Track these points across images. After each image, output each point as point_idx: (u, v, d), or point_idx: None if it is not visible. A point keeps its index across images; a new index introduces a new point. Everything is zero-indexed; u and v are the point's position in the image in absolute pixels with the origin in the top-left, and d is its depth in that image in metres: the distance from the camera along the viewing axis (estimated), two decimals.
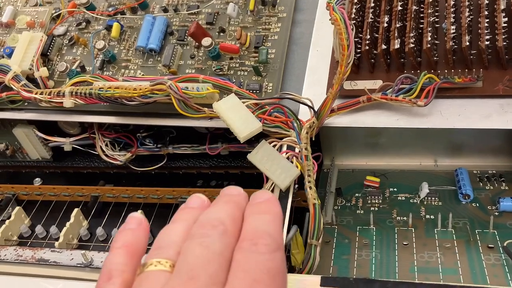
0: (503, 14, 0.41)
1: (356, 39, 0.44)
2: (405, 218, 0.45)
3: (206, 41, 0.51)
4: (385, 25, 0.44)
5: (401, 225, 0.45)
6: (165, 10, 0.56)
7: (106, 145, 0.55)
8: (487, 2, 0.42)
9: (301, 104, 0.45)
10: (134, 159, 0.55)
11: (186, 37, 0.54)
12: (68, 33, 0.58)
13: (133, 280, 0.25)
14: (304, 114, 0.45)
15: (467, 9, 0.42)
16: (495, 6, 0.42)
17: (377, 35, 0.45)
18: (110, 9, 0.58)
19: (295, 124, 0.44)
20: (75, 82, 0.50)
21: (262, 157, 0.41)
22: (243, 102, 0.43)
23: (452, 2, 0.43)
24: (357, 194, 0.48)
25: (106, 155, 0.55)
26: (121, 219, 0.54)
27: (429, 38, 0.42)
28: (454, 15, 0.43)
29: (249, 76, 0.50)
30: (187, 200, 0.29)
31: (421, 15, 0.44)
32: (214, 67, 0.51)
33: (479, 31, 0.41)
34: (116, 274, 0.25)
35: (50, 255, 0.50)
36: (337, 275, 0.41)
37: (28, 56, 0.53)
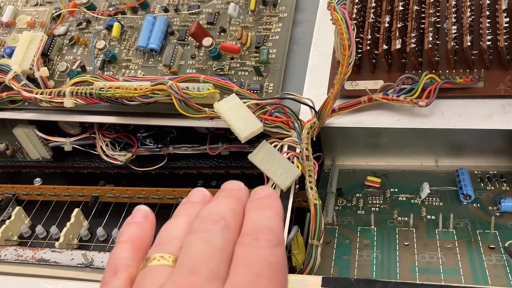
0: (505, 14, 0.41)
1: (357, 39, 0.44)
2: (406, 218, 0.45)
3: (207, 41, 0.51)
4: (386, 25, 0.44)
5: (402, 226, 0.44)
6: (166, 10, 0.56)
7: (107, 145, 0.55)
8: (488, 2, 0.42)
9: (302, 104, 0.45)
10: (134, 159, 0.55)
11: (186, 37, 0.54)
12: (68, 33, 0.58)
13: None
14: (305, 114, 0.45)
15: (469, 9, 0.42)
16: (497, 6, 0.42)
17: (378, 35, 0.45)
18: (110, 9, 0.58)
19: (296, 124, 0.44)
20: (76, 82, 0.50)
21: (263, 158, 0.41)
22: (244, 102, 0.43)
23: (454, 2, 0.43)
24: (358, 195, 0.48)
25: (107, 155, 0.55)
26: (121, 219, 0.54)
27: (431, 38, 0.42)
28: (455, 15, 0.43)
29: (250, 76, 0.50)
30: (189, 194, 0.29)
31: (423, 15, 0.44)
32: (215, 67, 0.51)
33: (481, 31, 0.41)
34: (122, 269, 0.25)
35: (50, 255, 0.49)
36: (338, 276, 0.41)
37: (29, 56, 0.53)
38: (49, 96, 0.49)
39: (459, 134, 0.47)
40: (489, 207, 0.44)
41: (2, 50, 0.56)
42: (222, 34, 0.53)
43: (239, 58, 0.51)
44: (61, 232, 0.52)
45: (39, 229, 0.54)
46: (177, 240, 0.25)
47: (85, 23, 0.58)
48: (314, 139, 0.44)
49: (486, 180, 0.47)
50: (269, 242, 0.24)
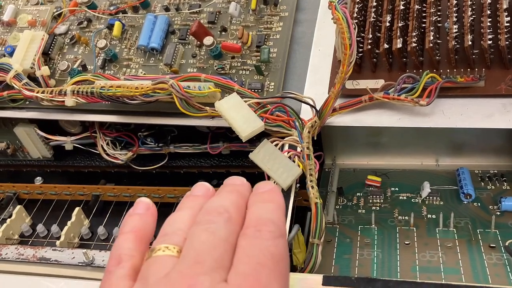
0: (506, 14, 0.41)
1: (358, 39, 0.44)
2: (406, 217, 0.45)
3: (207, 40, 0.51)
4: (387, 24, 0.44)
5: (402, 225, 0.45)
6: (167, 9, 0.56)
7: (107, 144, 0.55)
8: (489, 1, 0.42)
9: (303, 103, 0.45)
10: (135, 158, 0.55)
11: (187, 36, 0.54)
12: (69, 32, 0.58)
13: (141, 264, 0.26)
14: (306, 113, 0.45)
15: (470, 9, 0.42)
16: (498, 5, 0.42)
17: (379, 35, 0.45)
18: (111, 8, 0.58)
19: (297, 123, 0.44)
20: (77, 81, 0.50)
21: (264, 156, 0.41)
22: (245, 101, 0.43)
23: (455, 2, 0.43)
24: (358, 194, 0.48)
25: (107, 154, 0.55)
26: (122, 218, 0.54)
27: (431, 38, 0.42)
28: (456, 14, 0.43)
29: (251, 75, 0.50)
30: (192, 188, 0.29)
31: (424, 14, 0.44)
32: (216, 66, 0.51)
33: (482, 30, 0.41)
34: (125, 258, 0.26)
35: (51, 254, 0.50)
36: (339, 274, 0.41)
37: (30, 55, 0.53)
38: (50, 95, 0.49)
39: (459, 133, 0.47)
40: (490, 206, 0.45)
41: (3, 49, 0.56)
42: (223, 33, 0.53)
43: (240, 57, 0.51)
44: (62, 231, 0.52)
45: (40, 228, 0.55)
46: (181, 232, 0.26)
47: (86, 22, 0.58)
48: (315, 138, 0.44)
49: (487, 179, 0.47)
50: (271, 233, 0.25)
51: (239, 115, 0.42)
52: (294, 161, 0.41)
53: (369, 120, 0.45)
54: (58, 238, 0.52)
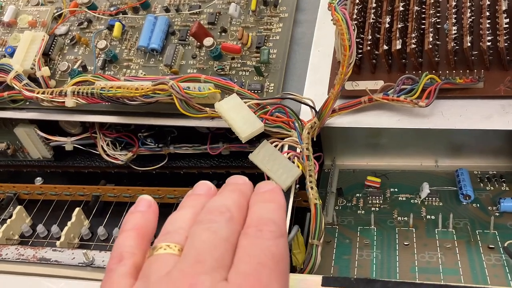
0: (505, 15, 0.41)
1: (358, 40, 0.44)
2: (405, 218, 0.45)
3: (207, 41, 0.51)
4: (387, 25, 0.45)
5: (402, 225, 0.45)
6: (167, 10, 0.56)
7: (108, 144, 0.55)
8: (488, 3, 0.42)
9: (302, 104, 0.46)
10: (135, 158, 0.56)
11: (187, 37, 0.54)
12: (69, 33, 0.58)
13: (142, 262, 0.26)
14: (306, 114, 0.46)
15: (469, 10, 0.42)
16: (497, 7, 0.42)
17: (378, 36, 0.45)
18: (111, 8, 0.58)
19: (297, 124, 0.44)
20: (77, 82, 0.50)
21: (264, 157, 0.41)
22: (245, 102, 0.43)
23: (454, 3, 0.43)
24: (358, 194, 0.48)
25: (108, 155, 0.55)
26: (122, 218, 0.54)
27: (431, 39, 0.42)
28: (455, 16, 0.43)
29: (251, 76, 0.50)
30: (194, 186, 0.29)
31: (423, 15, 0.44)
32: (215, 67, 0.51)
33: (481, 32, 0.41)
34: (127, 256, 0.26)
35: (51, 254, 0.50)
36: (338, 275, 0.41)
37: (30, 55, 0.53)
38: (51, 96, 0.49)
39: (459, 134, 0.47)
40: (489, 207, 0.45)
41: (3, 49, 0.56)
42: (223, 34, 0.53)
43: (240, 58, 0.51)
44: (62, 231, 0.52)
45: (40, 228, 0.55)
46: (183, 231, 0.26)
47: (86, 23, 0.58)
48: (315, 139, 0.44)
49: (486, 180, 0.47)
50: (272, 233, 0.25)
51: (239, 116, 0.42)
52: (293, 162, 0.41)
53: (369, 121, 0.45)
54: (58, 238, 0.52)
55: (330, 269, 0.42)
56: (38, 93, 0.50)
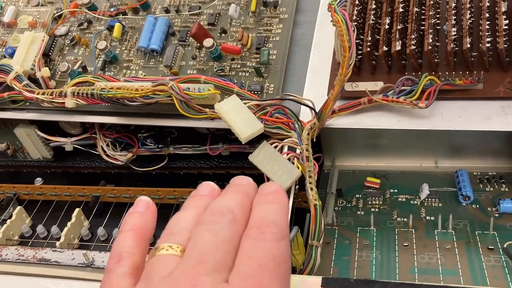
0: (504, 17, 0.41)
1: (358, 41, 0.44)
2: (405, 219, 0.45)
3: (207, 42, 0.51)
4: (387, 27, 0.45)
5: (401, 226, 0.45)
6: (167, 10, 0.56)
7: (107, 145, 0.55)
8: (488, 4, 0.42)
9: (302, 105, 0.46)
10: (135, 159, 0.56)
11: (187, 38, 0.54)
12: (69, 33, 0.58)
13: (141, 262, 0.26)
14: (305, 115, 0.46)
15: (468, 11, 0.42)
16: (496, 8, 0.42)
17: (378, 37, 0.45)
18: (112, 9, 0.58)
19: (296, 125, 0.44)
20: (77, 83, 0.50)
21: (263, 158, 0.41)
22: (245, 103, 0.43)
23: (453, 4, 0.43)
24: (357, 195, 0.49)
25: (107, 155, 0.55)
26: (122, 219, 0.54)
27: (430, 40, 0.42)
28: (455, 17, 0.43)
29: (251, 77, 0.50)
30: (198, 187, 0.29)
31: (423, 17, 0.45)
32: (215, 68, 0.51)
33: (480, 33, 0.41)
34: (125, 256, 0.26)
35: (51, 255, 0.50)
36: (338, 276, 0.41)
37: (30, 56, 0.53)
38: (51, 97, 0.49)
39: (458, 135, 0.47)
40: (488, 208, 0.45)
41: (3, 50, 0.57)
42: (223, 35, 0.53)
43: (239, 59, 0.51)
44: (62, 231, 0.52)
45: (40, 228, 0.55)
46: (186, 231, 0.26)
47: (86, 24, 0.58)
48: (314, 140, 0.45)
49: (485, 181, 0.47)
50: (274, 235, 0.25)
51: (238, 117, 0.42)
52: (293, 163, 0.41)
53: (368, 122, 0.45)
54: (58, 239, 0.52)
55: (330, 270, 0.42)
56: (38, 93, 0.50)
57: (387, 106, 0.44)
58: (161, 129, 0.54)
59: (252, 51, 0.51)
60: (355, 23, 0.45)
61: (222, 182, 0.56)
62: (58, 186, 0.58)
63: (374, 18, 0.45)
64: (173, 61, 0.52)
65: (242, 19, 0.54)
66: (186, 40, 0.54)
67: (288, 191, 0.41)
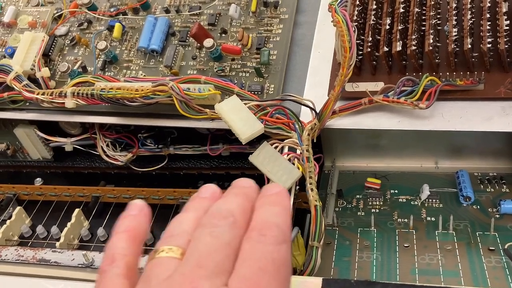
0: (505, 17, 0.41)
1: (358, 41, 0.44)
2: (406, 220, 0.45)
3: (208, 42, 0.51)
4: (387, 27, 0.44)
5: (402, 227, 0.45)
6: (167, 11, 0.56)
7: (107, 145, 0.55)
8: (489, 5, 0.42)
9: (302, 106, 0.46)
10: (135, 159, 0.55)
11: (188, 38, 0.54)
12: (69, 34, 0.58)
13: (135, 263, 0.26)
14: (306, 115, 0.45)
15: (469, 12, 0.42)
16: (497, 9, 0.42)
17: (379, 37, 0.45)
18: (112, 9, 0.58)
19: (297, 126, 0.44)
20: (77, 83, 0.50)
21: (264, 159, 0.41)
22: (245, 104, 0.43)
23: (454, 5, 0.43)
24: (358, 196, 0.48)
25: (107, 156, 0.55)
26: None
27: (431, 41, 0.42)
28: (456, 17, 0.43)
29: (251, 77, 0.50)
30: (199, 189, 0.29)
31: (423, 17, 0.44)
32: (215, 68, 0.51)
33: (481, 33, 0.41)
34: (119, 257, 0.26)
35: (51, 255, 0.50)
36: (338, 277, 0.41)
37: (30, 56, 0.53)
38: (50, 97, 0.49)
39: (459, 136, 0.47)
40: (489, 209, 0.45)
41: (3, 50, 0.56)
42: (223, 35, 0.53)
43: (240, 59, 0.51)
44: (61, 232, 0.52)
45: (40, 229, 0.55)
46: (186, 234, 0.26)
47: (86, 24, 0.58)
48: (315, 141, 0.44)
49: (486, 182, 0.47)
50: (275, 238, 0.25)
51: (238, 117, 0.42)
52: (293, 164, 0.41)
53: (369, 122, 0.45)
54: (58, 239, 0.52)
55: (330, 271, 0.42)
56: (38, 94, 0.50)
57: (387, 107, 0.44)
58: (161, 129, 0.54)
59: (253, 51, 0.51)
60: (356, 23, 0.45)
61: (222, 182, 0.56)
62: (58, 186, 0.58)
63: (374, 19, 0.45)
64: (173, 61, 0.52)
65: (242, 19, 0.54)
66: (186, 40, 0.54)
67: (288, 192, 0.41)
